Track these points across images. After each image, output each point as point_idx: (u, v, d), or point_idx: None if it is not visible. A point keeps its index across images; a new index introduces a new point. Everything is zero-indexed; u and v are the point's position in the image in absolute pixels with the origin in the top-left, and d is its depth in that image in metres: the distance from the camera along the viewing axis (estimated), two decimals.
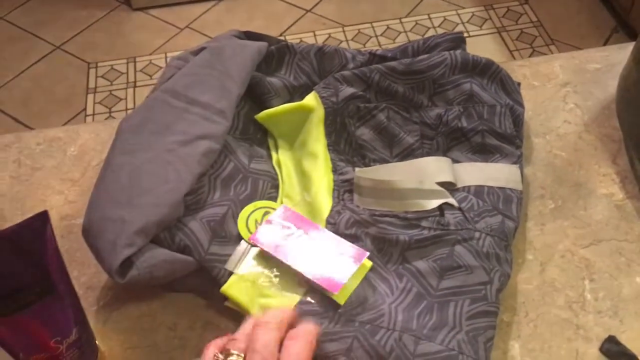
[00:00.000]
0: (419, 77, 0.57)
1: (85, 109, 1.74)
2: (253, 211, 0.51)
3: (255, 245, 0.49)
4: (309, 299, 0.47)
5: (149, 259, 0.46)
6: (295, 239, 0.48)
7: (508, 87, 0.58)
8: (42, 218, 0.37)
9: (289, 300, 0.46)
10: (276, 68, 0.59)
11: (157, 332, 0.50)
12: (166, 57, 1.86)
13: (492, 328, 0.46)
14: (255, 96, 0.58)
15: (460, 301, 0.46)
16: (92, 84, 1.81)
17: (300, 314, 0.45)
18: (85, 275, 0.52)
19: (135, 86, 1.79)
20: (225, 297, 0.48)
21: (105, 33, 1.94)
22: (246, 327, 0.39)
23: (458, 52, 0.58)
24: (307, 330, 0.39)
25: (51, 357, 0.42)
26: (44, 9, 2.00)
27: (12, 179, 0.59)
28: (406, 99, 0.57)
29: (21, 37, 1.93)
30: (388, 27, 1.91)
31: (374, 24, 1.92)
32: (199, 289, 0.51)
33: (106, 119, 1.71)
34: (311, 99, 0.56)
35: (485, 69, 0.58)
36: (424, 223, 0.50)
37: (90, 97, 1.78)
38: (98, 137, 0.62)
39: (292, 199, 0.54)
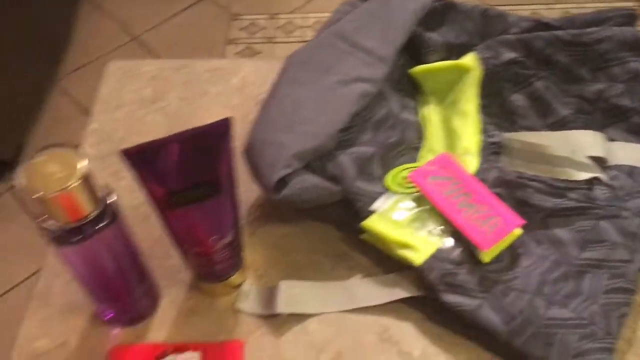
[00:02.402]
0: (583, 50, 0.56)
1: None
2: (400, 172, 0.53)
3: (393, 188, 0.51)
4: (451, 246, 0.48)
5: (301, 182, 0.49)
6: (455, 189, 0.50)
7: None
8: (226, 123, 0.41)
9: (430, 244, 0.48)
10: (438, 24, 0.60)
11: (295, 252, 0.54)
12: (306, 17, 1.91)
13: (627, 305, 0.46)
14: (412, 49, 0.59)
15: (599, 274, 0.46)
16: (232, 36, 1.89)
17: (436, 258, 0.47)
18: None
19: (273, 42, 1.86)
20: (362, 231, 0.51)
21: None
22: None
23: (628, 29, 0.56)
24: None
25: (206, 252, 0.47)
26: None
27: (180, 100, 0.65)
28: (567, 71, 0.56)
29: None
30: None
31: None
32: (338, 221, 0.54)
33: None
34: (470, 59, 0.57)
35: None
36: (570, 194, 0.49)
37: (230, 48, 1.87)
38: (258, 72, 0.67)
39: (435, 153, 0.56)
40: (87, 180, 0.39)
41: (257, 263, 0.53)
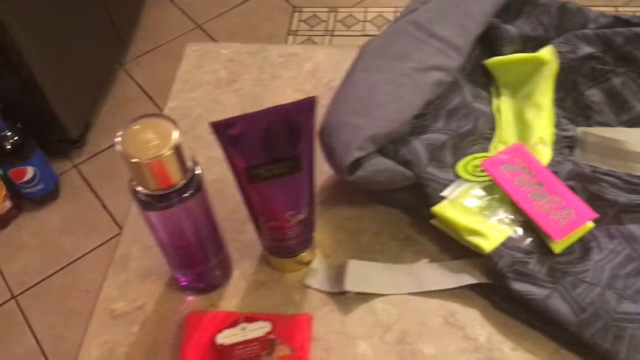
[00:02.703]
0: None
1: None
2: (470, 160, 0.54)
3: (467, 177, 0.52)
4: (520, 235, 0.48)
5: (374, 164, 0.50)
6: (527, 179, 0.50)
7: None
8: (311, 101, 0.42)
9: (500, 232, 0.49)
10: (514, 16, 0.60)
11: (362, 235, 0.55)
12: (366, 12, 1.92)
13: None
14: (487, 41, 0.60)
15: None
16: (294, 27, 1.92)
17: (506, 246, 0.48)
18: None
19: (332, 35, 1.87)
20: (431, 217, 0.52)
21: None
22: None
23: None
24: None
25: (280, 227, 0.49)
26: None
27: (254, 82, 0.67)
28: None
29: None
30: None
31: None
32: (406, 205, 0.55)
33: None
34: (546, 52, 0.56)
35: None
36: None
37: (290, 38, 1.89)
38: (331, 59, 0.68)
39: (507, 144, 0.56)
40: (178, 150, 0.41)
41: (324, 243, 0.55)
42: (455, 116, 0.55)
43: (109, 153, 1.66)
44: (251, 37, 1.90)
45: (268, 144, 0.43)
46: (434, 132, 0.53)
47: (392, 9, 1.91)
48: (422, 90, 0.53)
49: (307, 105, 0.43)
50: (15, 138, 1.38)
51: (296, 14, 1.96)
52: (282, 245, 0.51)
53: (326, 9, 1.95)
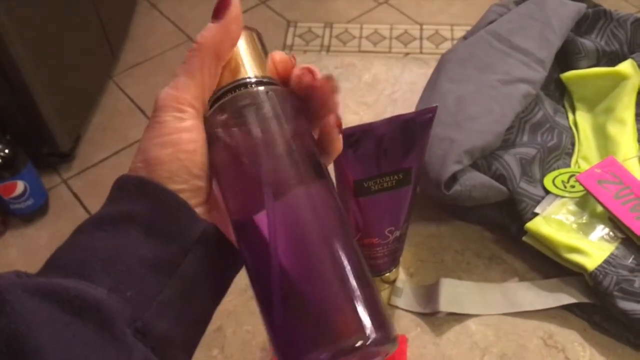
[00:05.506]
0: None
1: None
2: (557, 176, 0.52)
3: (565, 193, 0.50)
4: (623, 252, 0.47)
5: (470, 179, 0.48)
6: (625, 194, 0.49)
7: None
8: (432, 112, 0.40)
9: (602, 249, 0.47)
10: (588, 30, 0.59)
11: (445, 253, 0.53)
12: (361, 28, 1.91)
13: None
14: (561, 54, 0.59)
15: None
16: (289, 42, 1.90)
17: (609, 264, 0.46)
18: None
19: (328, 50, 1.86)
20: (520, 234, 0.50)
21: None
22: None
23: None
24: None
25: (375, 244, 0.46)
26: None
27: None
28: None
29: None
30: None
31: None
32: (492, 222, 0.53)
33: None
34: (627, 67, 0.56)
35: None
36: None
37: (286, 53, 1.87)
38: (390, 71, 0.66)
39: (589, 161, 0.55)
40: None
41: (407, 261, 0.52)
42: (539, 130, 0.54)
43: (100, 167, 1.59)
44: None
45: (380, 156, 0.41)
46: (522, 146, 0.52)
47: (387, 26, 1.91)
48: (513, 103, 0.51)
49: (428, 115, 0.40)
50: (6, 151, 1.31)
51: (291, 29, 1.94)
52: (372, 264, 0.48)
53: (321, 24, 1.94)
